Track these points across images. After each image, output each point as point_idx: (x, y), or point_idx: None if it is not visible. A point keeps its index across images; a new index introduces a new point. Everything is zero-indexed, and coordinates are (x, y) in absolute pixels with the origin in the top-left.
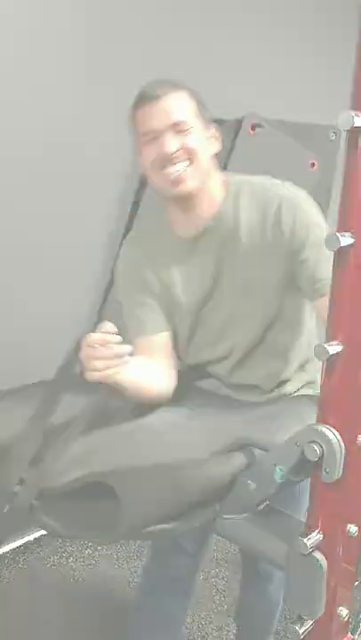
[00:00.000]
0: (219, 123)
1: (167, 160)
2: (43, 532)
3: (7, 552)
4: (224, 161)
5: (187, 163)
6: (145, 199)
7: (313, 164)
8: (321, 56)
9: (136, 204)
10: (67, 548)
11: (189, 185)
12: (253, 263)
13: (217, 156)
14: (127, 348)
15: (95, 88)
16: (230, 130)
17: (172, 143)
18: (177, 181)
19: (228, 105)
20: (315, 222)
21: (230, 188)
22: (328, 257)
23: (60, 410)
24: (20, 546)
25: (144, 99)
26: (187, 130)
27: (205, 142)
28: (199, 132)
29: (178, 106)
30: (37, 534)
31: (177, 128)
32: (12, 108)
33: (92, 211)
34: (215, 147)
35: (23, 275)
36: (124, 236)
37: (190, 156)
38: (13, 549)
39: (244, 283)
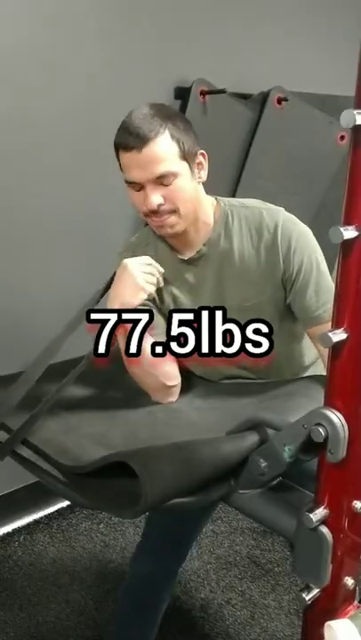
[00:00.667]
0: (244, 97)
1: (153, 213)
2: None
3: (42, 517)
4: (251, 136)
5: (172, 212)
6: None
7: (342, 137)
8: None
9: None
10: (98, 515)
11: (176, 229)
12: (249, 287)
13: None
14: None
15: (117, 72)
16: (256, 104)
17: (155, 198)
18: (163, 227)
19: (254, 79)
20: (311, 250)
21: (221, 213)
22: (323, 286)
23: None
24: (54, 512)
25: (128, 146)
26: (171, 180)
27: (190, 182)
28: (184, 174)
29: (161, 156)
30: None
31: (161, 181)
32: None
33: (113, 191)
34: (203, 174)
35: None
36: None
37: (175, 205)
38: (47, 515)
39: (240, 306)
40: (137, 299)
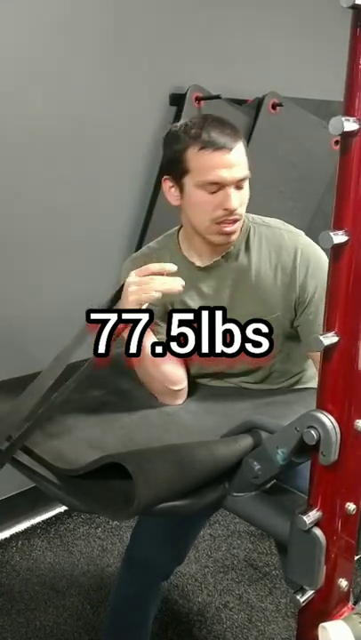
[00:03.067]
0: (239, 103)
1: (228, 215)
2: None
3: (40, 522)
4: (246, 141)
5: (239, 216)
6: None
7: (337, 142)
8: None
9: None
10: (95, 520)
11: (236, 235)
12: (261, 305)
13: None
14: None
15: (114, 73)
16: (251, 109)
17: (236, 199)
18: (230, 234)
19: (248, 85)
20: (325, 277)
21: (243, 228)
22: None
23: None
24: (52, 517)
25: (218, 145)
26: (243, 185)
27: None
28: (247, 184)
29: (243, 159)
30: None
31: (239, 184)
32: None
33: (112, 195)
34: None
35: (40, 262)
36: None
37: (242, 210)
38: (45, 520)
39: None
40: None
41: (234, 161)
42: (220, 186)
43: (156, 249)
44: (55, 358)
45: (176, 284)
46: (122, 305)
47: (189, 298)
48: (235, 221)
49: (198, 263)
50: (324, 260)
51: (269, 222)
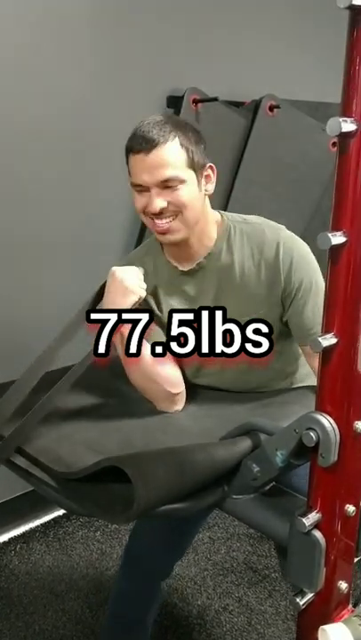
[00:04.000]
0: (236, 105)
1: (154, 214)
2: None
3: (38, 526)
4: (243, 144)
5: (173, 216)
6: None
7: (334, 144)
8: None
9: None
10: (94, 523)
11: (176, 236)
12: (247, 303)
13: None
14: None
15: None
16: (248, 112)
17: (158, 202)
18: (163, 233)
19: (246, 87)
20: (311, 269)
21: (223, 227)
22: (321, 304)
23: None
24: (50, 520)
25: (136, 148)
26: (176, 185)
27: (196, 192)
28: (190, 182)
29: (169, 160)
30: None
31: (166, 184)
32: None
33: (111, 196)
34: (210, 187)
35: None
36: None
37: (178, 209)
38: (43, 524)
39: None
40: (128, 302)
41: (153, 163)
42: (143, 188)
43: (139, 256)
44: (38, 358)
45: None
46: (112, 299)
47: (174, 301)
48: (166, 219)
49: (181, 267)
50: (307, 251)
51: (248, 219)
